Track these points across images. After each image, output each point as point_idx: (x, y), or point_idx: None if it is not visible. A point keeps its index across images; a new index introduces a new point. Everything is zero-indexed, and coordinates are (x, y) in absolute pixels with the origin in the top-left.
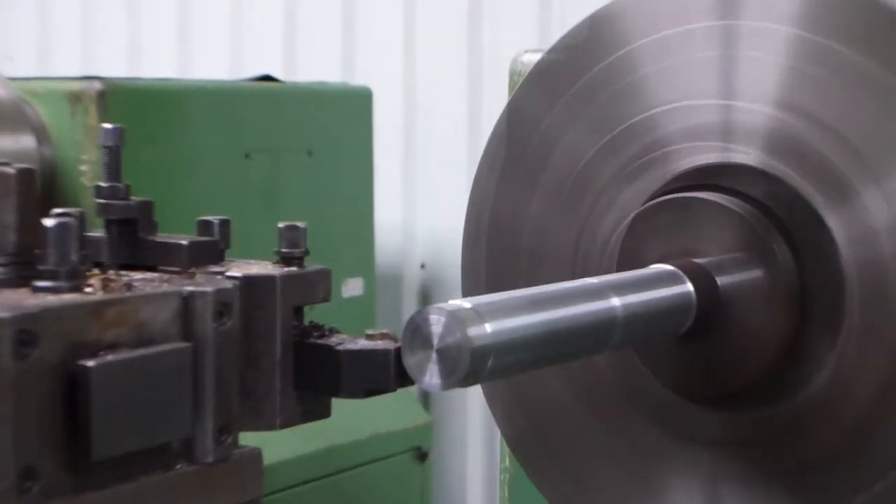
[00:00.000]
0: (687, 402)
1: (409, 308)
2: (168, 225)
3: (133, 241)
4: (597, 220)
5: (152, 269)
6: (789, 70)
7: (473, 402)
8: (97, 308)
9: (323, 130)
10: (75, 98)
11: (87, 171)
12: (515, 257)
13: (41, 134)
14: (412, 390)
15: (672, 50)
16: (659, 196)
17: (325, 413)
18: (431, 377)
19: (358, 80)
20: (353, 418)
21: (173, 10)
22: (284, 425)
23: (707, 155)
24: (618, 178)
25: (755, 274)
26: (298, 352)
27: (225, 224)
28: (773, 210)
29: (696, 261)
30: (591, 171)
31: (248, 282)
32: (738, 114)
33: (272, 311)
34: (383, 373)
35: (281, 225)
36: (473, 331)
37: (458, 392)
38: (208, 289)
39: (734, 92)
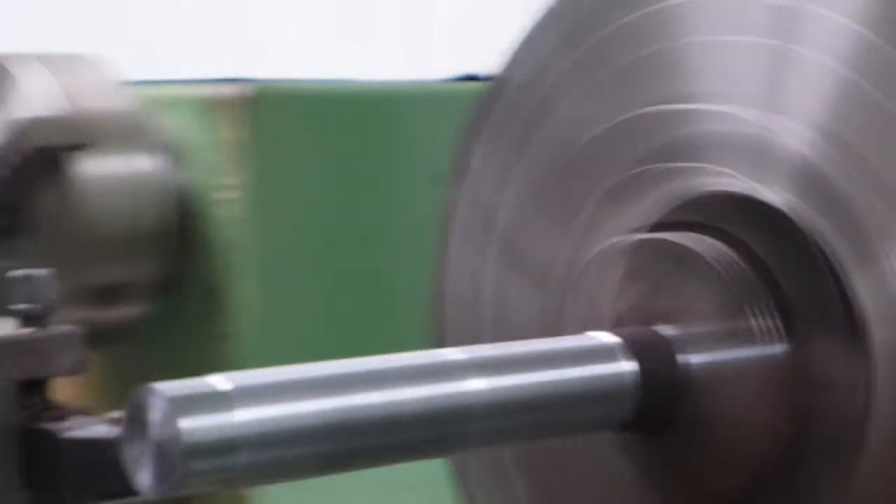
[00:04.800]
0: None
1: None
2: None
3: None
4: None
5: None
6: (843, 82)
7: None
8: None
9: None
10: (212, 106)
11: (227, 198)
12: (484, 252)
13: (168, 153)
14: None
15: (725, 19)
16: (651, 226)
17: None
18: (145, 477)
19: None
20: None
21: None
22: None
23: (729, 179)
24: (613, 186)
25: (739, 353)
26: (26, 439)
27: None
28: (789, 270)
29: (660, 329)
30: (586, 162)
31: None
32: (778, 133)
33: None
34: (116, 471)
35: (15, 275)
36: (190, 422)
37: None
38: None
39: (781, 102)
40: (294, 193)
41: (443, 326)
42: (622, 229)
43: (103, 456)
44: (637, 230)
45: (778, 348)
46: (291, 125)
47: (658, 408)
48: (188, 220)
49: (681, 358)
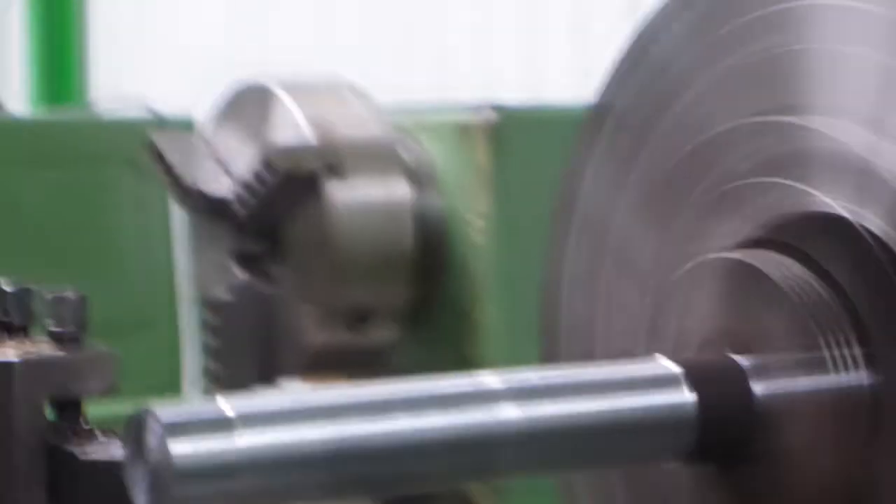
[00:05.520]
0: None
1: None
2: None
3: None
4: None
5: None
6: None
7: None
8: None
9: None
10: (464, 132)
11: (479, 224)
12: (600, 258)
13: (422, 178)
14: None
15: (846, 28)
16: (741, 243)
17: None
18: (141, 499)
19: None
20: None
21: None
22: None
23: (825, 200)
24: (713, 196)
25: (815, 383)
26: (52, 460)
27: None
28: (870, 299)
29: (734, 357)
30: (693, 168)
31: None
32: (882, 156)
33: (8, 407)
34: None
35: (48, 297)
36: (183, 446)
37: None
38: None
39: (887, 124)
40: (538, 218)
41: (555, 338)
42: (716, 244)
43: (118, 478)
44: (727, 247)
45: (856, 379)
46: (535, 150)
47: (724, 440)
48: (439, 244)
49: (754, 387)
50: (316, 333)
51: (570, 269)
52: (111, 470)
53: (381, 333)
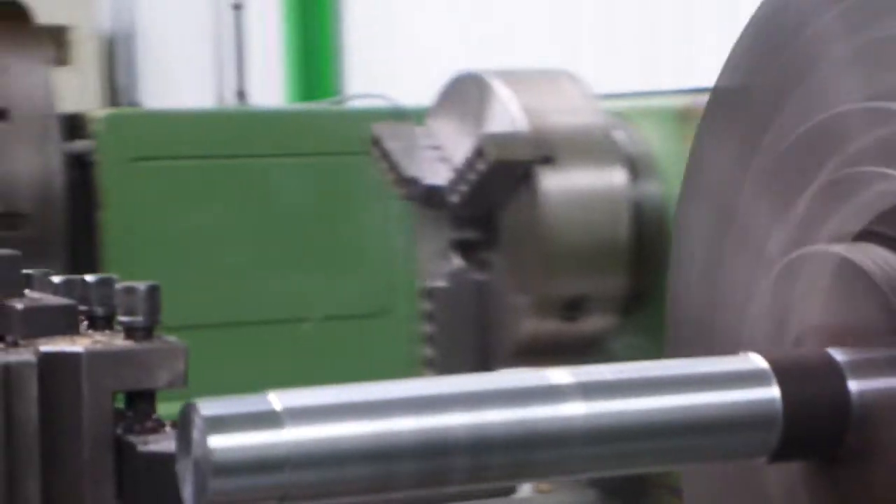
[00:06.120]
0: None
1: None
2: None
3: None
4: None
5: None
6: None
7: None
8: None
9: None
10: (682, 118)
11: None
12: (728, 224)
13: (639, 166)
14: None
15: None
16: (851, 234)
17: None
18: (188, 492)
19: None
20: None
21: None
22: None
23: None
24: (824, 182)
25: None
26: (118, 451)
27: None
28: None
29: (829, 352)
30: (811, 150)
31: (46, 360)
32: None
33: (76, 398)
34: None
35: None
36: (222, 440)
37: None
38: None
39: None
40: None
41: (679, 325)
42: (825, 233)
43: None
44: (835, 237)
45: None
46: None
47: (813, 437)
48: (657, 232)
49: (849, 384)
50: (529, 321)
51: (696, 248)
52: (166, 463)
53: (596, 322)
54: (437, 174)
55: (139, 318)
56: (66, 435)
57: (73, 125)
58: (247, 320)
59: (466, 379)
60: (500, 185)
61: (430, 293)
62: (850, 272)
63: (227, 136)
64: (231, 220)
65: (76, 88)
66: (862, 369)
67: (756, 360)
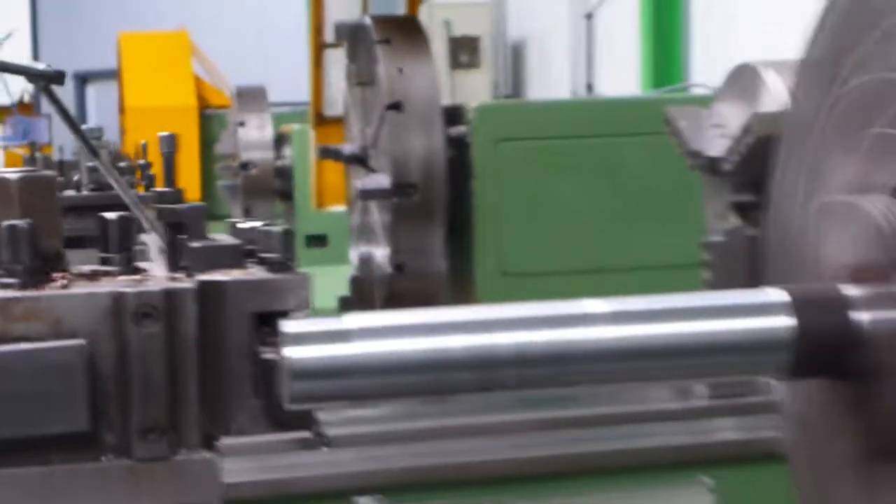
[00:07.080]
0: None
1: None
2: None
3: (180, 245)
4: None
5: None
6: None
7: None
8: (4, 305)
9: None
10: None
11: None
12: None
13: None
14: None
15: None
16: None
17: (301, 424)
18: (284, 390)
19: None
20: None
21: None
22: (240, 433)
23: None
24: (875, 136)
25: None
26: (255, 360)
27: (286, 234)
28: None
29: (844, 287)
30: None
31: (202, 287)
32: None
33: (223, 318)
34: None
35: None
36: (297, 351)
37: None
38: (128, 290)
39: None
40: None
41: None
42: (876, 184)
43: None
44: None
45: None
46: None
47: (823, 357)
48: None
49: (855, 314)
50: None
51: (783, 187)
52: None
53: None
54: (718, 147)
55: (274, 255)
56: (216, 345)
57: (453, 114)
58: (595, 268)
59: (514, 307)
60: (764, 156)
61: (709, 246)
62: (863, 219)
63: (578, 120)
64: (581, 186)
65: (483, 86)
66: (871, 302)
67: (775, 294)
